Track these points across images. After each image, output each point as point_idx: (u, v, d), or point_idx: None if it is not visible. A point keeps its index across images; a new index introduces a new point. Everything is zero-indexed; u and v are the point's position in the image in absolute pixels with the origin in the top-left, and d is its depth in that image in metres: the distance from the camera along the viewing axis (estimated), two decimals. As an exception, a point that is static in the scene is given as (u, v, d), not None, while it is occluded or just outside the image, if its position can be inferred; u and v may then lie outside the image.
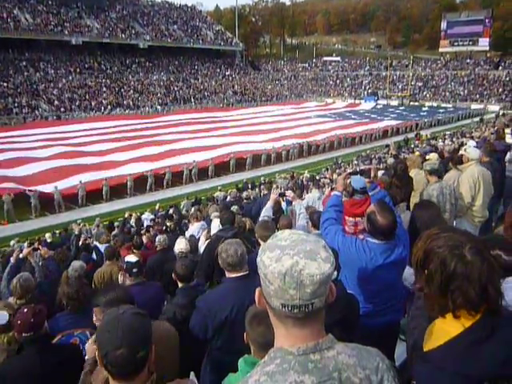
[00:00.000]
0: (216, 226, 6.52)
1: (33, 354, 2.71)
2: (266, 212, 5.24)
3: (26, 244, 13.55)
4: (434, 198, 4.97)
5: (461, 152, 6.00)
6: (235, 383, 1.99)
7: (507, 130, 11.56)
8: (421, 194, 5.18)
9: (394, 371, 1.25)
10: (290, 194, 5.92)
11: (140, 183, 22.83)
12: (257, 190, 18.69)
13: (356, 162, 23.76)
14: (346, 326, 2.38)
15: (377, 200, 3.38)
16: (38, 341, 2.75)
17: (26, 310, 2.77)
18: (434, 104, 62.07)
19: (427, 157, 7.62)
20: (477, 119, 43.75)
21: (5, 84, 47.56)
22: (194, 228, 8.23)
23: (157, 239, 6.34)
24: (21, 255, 5.43)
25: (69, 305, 3.57)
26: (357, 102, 68.15)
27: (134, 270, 4.02)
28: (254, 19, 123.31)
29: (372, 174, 4.04)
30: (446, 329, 1.34)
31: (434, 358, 1.31)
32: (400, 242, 3.06)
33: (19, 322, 2.73)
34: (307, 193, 9.50)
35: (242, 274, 3.05)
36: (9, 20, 54.48)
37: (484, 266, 1.29)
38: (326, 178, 18.26)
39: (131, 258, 4.18)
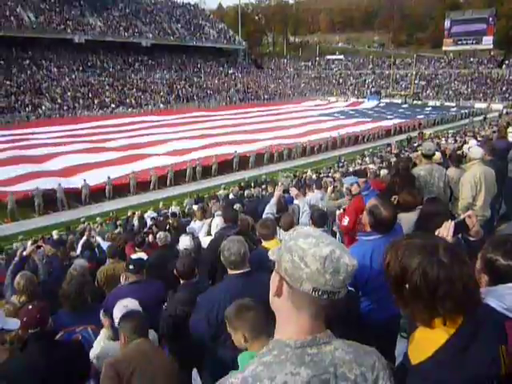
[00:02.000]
0: (216, 223, 6.54)
1: (38, 350, 2.73)
2: (270, 209, 5.26)
3: (29, 242, 13.64)
4: (420, 176, 5.04)
5: (464, 150, 6.02)
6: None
7: (510, 129, 11.52)
8: (400, 159, 5.27)
9: (390, 371, 1.27)
10: (293, 190, 5.95)
11: (144, 182, 22.90)
12: (258, 188, 18.68)
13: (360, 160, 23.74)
14: (346, 322, 2.40)
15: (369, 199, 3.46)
16: (44, 337, 2.78)
17: (30, 306, 2.80)
18: (438, 103, 61.86)
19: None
20: (479, 118, 43.62)
21: (8, 82, 47.68)
22: (197, 226, 8.26)
23: (157, 236, 6.37)
24: (24, 253, 5.46)
25: (66, 304, 3.60)
26: (360, 100, 68.02)
27: (135, 268, 4.05)
28: (257, 17, 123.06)
29: (369, 174, 4.09)
30: (432, 338, 1.33)
31: (424, 370, 1.31)
32: (399, 234, 3.13)
33: (25, 318, 2.77)
34: (310, 191, 9.47)
35: (243, 270, 3.07)
36: (12, 18, 54.58)
37: (462, 266, 1.30)
38: (328, 177, 18.25)
39: (134, 256, 4.23)
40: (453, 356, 1.27)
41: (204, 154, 26.94)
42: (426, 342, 1.34)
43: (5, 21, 53.34)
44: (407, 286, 1.32)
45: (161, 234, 6.42)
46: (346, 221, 4.93)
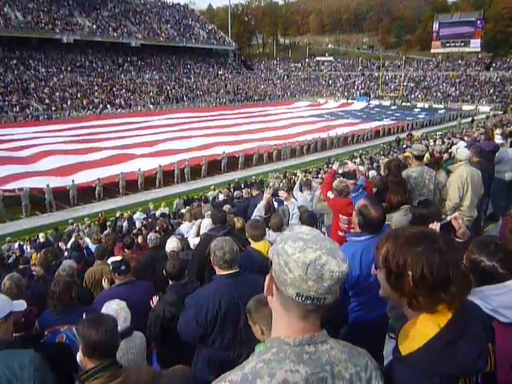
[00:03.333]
0: (206, 225, 6.52)
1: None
2: (258, 211, 5.27)
3: (16, 244, 13.52)
4: (411, 178, 5.10)
5: (452, 151, 6.08)
6: None
7: (497, 131, 11.66)
8: (393, 159, 5.31)
9: (381, 371, 1.30)
10: (282, 194, 5.95)
11: (132, 183, 22.80)
12: (247, 189, 18.66)
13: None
14: (334, 323, 2.41)
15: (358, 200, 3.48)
16: (29, 341, 2.75)
17: (16, 309, 2.76)
18: (426, 105, 62.40)
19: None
20: (467, 120, 44.05)
21: (-5, 82, 47.21)
22: (185, 227, 8.24)
23: (148, 237, 6.35)
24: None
25: (51, 304, 3.56)
26: (349, 101, 68.37)
27: (122, 268, 4.03)
28: (246, 18, 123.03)
29: (358, 176, 4.11)
30: (422, 330, 1.35)
31: (414, 361, 1.32)
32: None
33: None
34: (299, 193, 9.48)
35: (233, 271, 3.06)
36: (-1, 18, 54.05)
37: (457, 253, 1.34)
38: (317, 177, 18.31)
39: (116, 258, 4.21)
40: (442, 348, 1.29)
41: (193, 155, 26.85)
42: (417, 334, 1.36)
43: (-8, 20, 52.82)
44: (410, 274, 1.32)
45: (151, 236, 6.41)
46: (330, 193, 4.89)
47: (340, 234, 4.20)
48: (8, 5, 57.34)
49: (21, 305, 2.58)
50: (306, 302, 1.15)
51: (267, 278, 1.26)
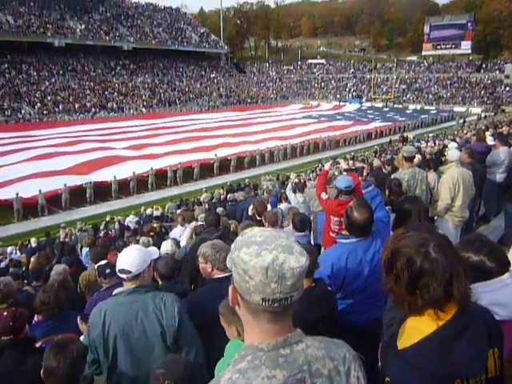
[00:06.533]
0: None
1: (12, 357, 2.69)
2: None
3: (11, 248, 13.40)
4: (404, 181, 5.14)
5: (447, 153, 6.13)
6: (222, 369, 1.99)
7: (488, 132, 11.75)
8: (392, 178, 5.31)
9: (360, 361, 1.28)
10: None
11: (125, 186, 22.73)
12: (241, 192, 18.65)
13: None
14: (327, 324, 2.41)
15: (370, 198, 3.45)
16: (18, 345, 2.73)
17: (5, 313, 2.75)
18: (418, 106, 62.78)
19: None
20: (460, 121, 44.43)
21: (-14, 86, 46.90)
22: (178, 231, 8.22)
23: (140, 240, 6.32)
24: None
25: (42, 311, 3.53)
26: (341, 104, 68.63)
27: (107, 271, 4.01)
28: (239, 21, 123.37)
29: (364, 173, 4.09)
30: (419, 327, 1.36)
31: (408, 356, 1.33)
32: (378, 238, 3.13)
33: None
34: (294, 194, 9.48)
35: (228, 274, 3.03)
36: (-10, 22, 53.75)
37: (449, 263, 1.32)
38: (310, 179, 18.34)
39: (101, 262, 4.19)
40: (437, 346, 1.29)
41: (185, 158, 26.83)
42: (414, 330, 1.37)
43: (-17, 24, 52.50)
44: (393, 270, 1.37)
45: (144, 239, 6.38)
46: (324, 195, 4.84)
47: (331, 235, 4.19)
48: (-1, 9, 57.07)
49: (155, 252, 2.96)
50: (273, 305, 1.12)
51: (230, 288, 1.23)
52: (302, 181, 16.78)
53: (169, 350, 2.52)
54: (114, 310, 2.55)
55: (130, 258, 2.59)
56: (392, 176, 5.21)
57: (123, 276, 2.58)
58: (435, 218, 5.71)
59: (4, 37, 53.54)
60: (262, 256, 1.11)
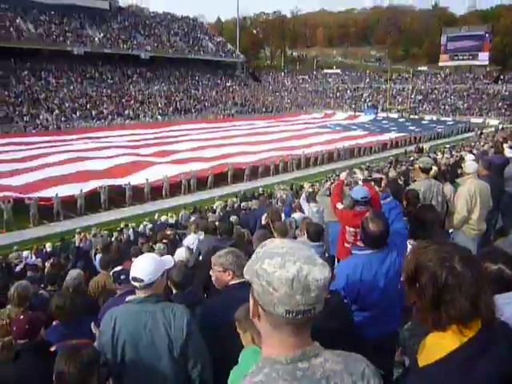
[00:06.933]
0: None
1: (27, 361, 2.72)
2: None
3: (27, 253, 13.57)
4: (420, 192, 5.09)
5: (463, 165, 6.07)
6: (238, 378, 1.96)
7: (506, 144, 11.60)
8: (410, 188, 5.26)
9: (380, 377, 1.26)
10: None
11: (139, 193, 22.92)
12: (255, 200, 18.66)
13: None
14: (343, 337, 2.38)
15: (388, 209, 3.42)
16: (33, 348, 2.77)
17: (21, 317, 2.79)
18: (434, 117, 62.30)
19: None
20: (477, 133, 43.96)
21: (6, 93, 47.77)
22: (191, 238, 8.22)
23: (156, 247, 6.35)
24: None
25: (57, 315, 3.57)
26: (356, 114, 68.44)
27: (122, 278, 4.02)
28: (255, 31, 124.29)
29: (383, 184, 4.06)
30: (442, 343, 1.33)
31: (430, 373, 1.30)
32: (394, 250, 3.09)
33: (15, 328, 2.76)
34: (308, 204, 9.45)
35: (244, 280, 2.98)
36: (11, 29, 54.89)
37: (474, 277, 1.30)
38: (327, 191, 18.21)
39: (116, 268, 4.21)
40: (460, 364, 1.26)
41: (200, 167, 27.02)
42: (436, 346, 1.34)
43: (5, 32, 53.62)
44: (417, 284, 1.35)
45: (160, 246, 6.41)
46: (339, 205, 4.79)
47: (346, 245, 4.15)
48: (20, 17, 58.25)
49: (170, 261, 2.88)
50: (297, 317, 1.12)
51: (250, 301, 1.22)
52: (316, 190, 16.73)
53: (175, 362, 2.53)
54: (125, 317, 2.57)
55: (144, 267, 2.60)
56: (408, 187, 5.17)
57: (135, 284, 2.60)
58: (451, 230, 5.64)
59: (25, 44, 54.73)
60: (286, 267, 1.11)
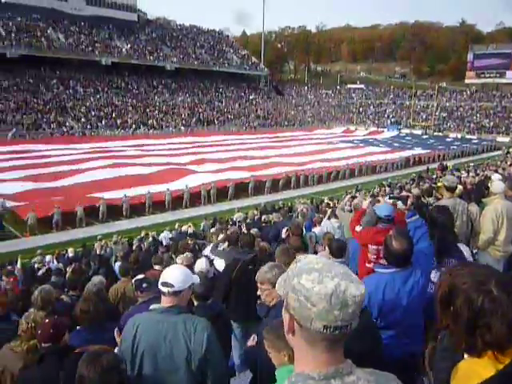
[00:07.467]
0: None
1: (51, 364, 2.76)
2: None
3: (48, 257, 13.79)
4: None
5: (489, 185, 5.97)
6: None
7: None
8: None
9: None
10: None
11: (160, 201, 23.18)
12: (275, 213, 18.62)
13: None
14: (372, 355, 2.34)
15: (414, 228, 3.38)
16: (57, 352, 2.81)
17: (47, 321, 2.84)
18: (459, 135, 61.47)
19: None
20: (500, 152, 43.19)
21: (35, 100, 49.10)
22: (211, 249, 8.25)
23: (184, 255, 6.38)
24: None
25: (81, 320, 3.62)
26: (379, 129, 68.06)
27: (144, 286, 4.07)
28: (279, 45, 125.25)
29: (409, 202, 4.02)
30: (477, 370, 1.29)
31: None
32: (418, 269, 3.05)
33: (39, 331, 2.82)
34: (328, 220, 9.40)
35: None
36: (42, 39, 56.67)
37: (511, 302, 1.27)
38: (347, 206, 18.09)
39: (138, 276, 4.25)
40: None
41: (221, 177, 27.25)
42: (472, 373, 1.30)
43: (36, 41, 55.41)
44: (451, 308, 1.32)
45: (188, 254, 6.46)
46: (358, 227, 4.74)
47: (368, 265, 4.08)
48: (52, 27, 60.12)
49: (196, 278, 2.91)
50: (334, 332, 1.11)
51: (285, 316, 1.22)
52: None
53: (192, 375, 2.53)
54: (146, 325, 2.60)
55: (176, 274, 2.67)
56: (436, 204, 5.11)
57: (164, 290, 2.63)
58: (475, 251, 5.53)
59: (55, 54, 56.44)
60: (324, 283, 1.12)
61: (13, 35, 54.21)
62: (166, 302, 2.66)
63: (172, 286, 2.60)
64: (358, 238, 4.45)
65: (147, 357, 2.54)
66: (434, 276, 3.43)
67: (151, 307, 2.75)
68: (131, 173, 27.67)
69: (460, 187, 7.36)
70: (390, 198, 4.39)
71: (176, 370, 2.52)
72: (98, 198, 21.85)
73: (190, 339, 2.52)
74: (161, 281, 2.66)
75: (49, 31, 59.21)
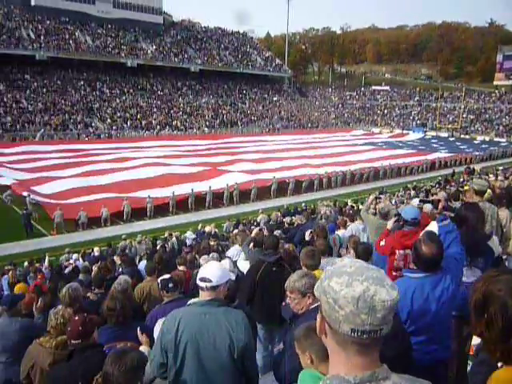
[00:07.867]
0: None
1: (79, 361, 2.81)
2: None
3: (74, 255, 14.07)
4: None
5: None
6: None
7: None
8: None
9: None
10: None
11: (183, 202, 23.41)
12: (298, 216, 18.56)
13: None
14: (403, 361, 2.30)
15: (445, 232, 3.32)
16: (86, 349, 2.86)
17: (77, 318, 2.89)
18: (487, 138, 60.08)
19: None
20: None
21: (63, 101, 50.19)
22: (234, 250, 8.25)
23: (210, 256, 6.43)
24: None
25: (108, 317, 3.67)
26: (405, 132, 67.15)
27: (170, 286, 4.11)
28: (303, 47, 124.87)
29: (440, 206, 3.95)
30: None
31: None
32: (448, 275, 2.98)
33: (69, 328, 2.88)
34: (350, 222, 9.32)
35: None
36: (70, 42, 57.91)
37: None
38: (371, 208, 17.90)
39: (164, 276, 4.29)
40: None
41: (245, 179, 27.33)
42: (507, 383, 1.28)
43: (64, 44, 56.69)
44: (485, 314, 1.30)
45: (214, 255, 6.50)
46: (382, 242, 4.63)
47: (394, 273, 3.96)
48: (79, 30, 61.40)
49: (232, 275, 3.18)
50: (362, 336, 1.11)
51: (318, 318, 1.23)
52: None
53: (233, 361, 2.68)
54: (188, 318, 2.73)
55: (213, 270, 2.81)
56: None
57: (202, 284, 2.76)
58: (505, 257, 5.39)
59: (83, 56, 57.65)
60: (352, 286, 1.12)
61: (42, 38, 55.54)
62: (204, 296, 2.79)
63: (210, 280, 2.73)
64: (385, 247, 4.36)
65: (190, 348, 2.66)
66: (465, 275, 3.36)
67: (190, 301, 2.87)
68: (174, 171, 28.83)
69: (489, 191, 7.20)
70: (420, 202, 4.32)
71: (219, 358, 2.67)
72: (143, 198, 22.58)
73: (232, 328, 2.68)
74: (199, 276, 2.80)
75: (76, 34, 60.45)
